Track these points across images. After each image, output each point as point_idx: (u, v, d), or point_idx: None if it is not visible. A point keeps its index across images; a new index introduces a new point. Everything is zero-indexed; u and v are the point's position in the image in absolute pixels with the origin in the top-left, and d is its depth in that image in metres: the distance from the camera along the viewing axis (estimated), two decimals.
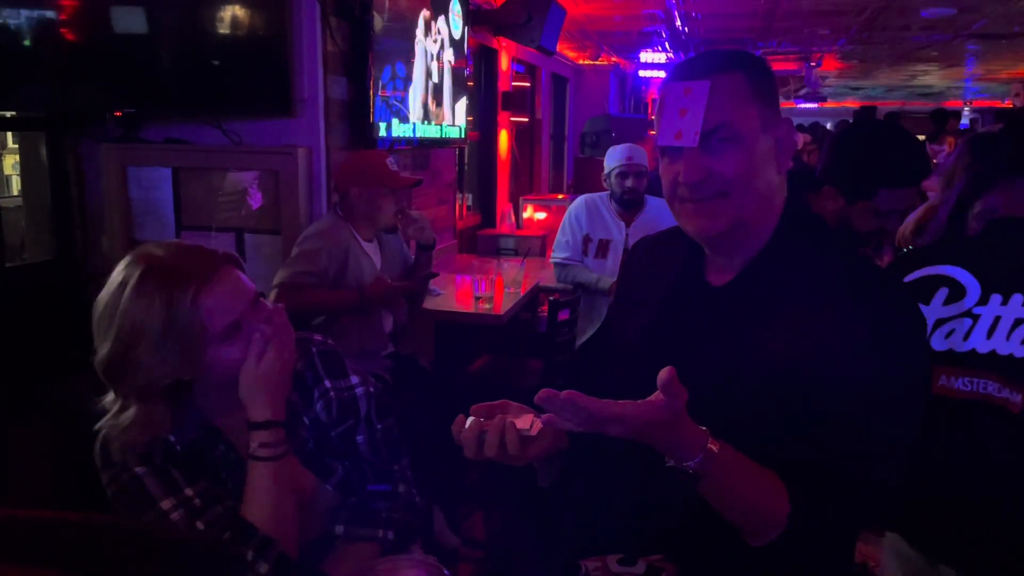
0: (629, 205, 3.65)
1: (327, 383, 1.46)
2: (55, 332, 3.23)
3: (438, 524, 2.92)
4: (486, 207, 6.26)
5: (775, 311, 1.13)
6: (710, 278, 1.24)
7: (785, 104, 16.19)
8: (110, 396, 1.32)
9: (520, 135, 7.17)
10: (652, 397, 0.97)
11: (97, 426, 1.34)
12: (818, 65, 10.31)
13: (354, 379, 1.50)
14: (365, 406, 1.50)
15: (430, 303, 3.55)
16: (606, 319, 1.50)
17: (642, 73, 10.51)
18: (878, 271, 1.21)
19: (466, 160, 5.89)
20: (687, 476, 1.01)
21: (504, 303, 3.61)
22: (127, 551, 1.19)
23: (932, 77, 12.62)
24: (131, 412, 1.26)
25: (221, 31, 2.93)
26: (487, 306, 3.56)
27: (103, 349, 1.26)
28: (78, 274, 3.31)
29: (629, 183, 3.60)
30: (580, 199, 3.79)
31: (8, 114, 3.14)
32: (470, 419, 1.09)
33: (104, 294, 1.28)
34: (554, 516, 1.29)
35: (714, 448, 1.01)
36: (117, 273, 1.29)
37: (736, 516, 1.07)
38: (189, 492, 1.30)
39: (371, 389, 1.51)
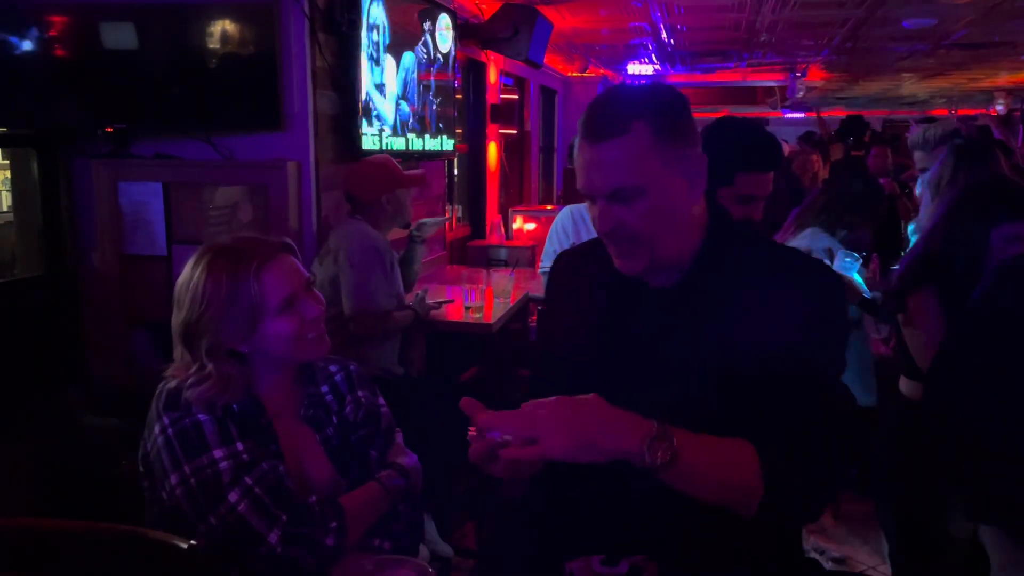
0: None
1: (360, 393, 1.65)
2: (45, 348, 3.24)
3: (430, 534, 2.94)
4: (476, 218, 6.29)
5: (721, 305, 1.21)
6: (651, 282, 1.29)
7: (772, 114, 16.32)
8: (176, 365, 1.49)
9: (509, 147, 7.22)
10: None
11: (166, 375, 1.48)
12: (803, 76, 10.41)
13: (381, 399, 1.69)
14: (387, 421, 1.66)
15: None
16: (541, 335, 1.54)
17: None
18: (798, 255, 1.36)
19: (455, 172, 5.92)
20: (655, 468, 1.06)
21: (494, 313, 3.64)
22: (119, 556, 1.21)
23: (916, 86, 12.76)
24: (210, 370, 1.44)
25: (211, 47, 2.96)
26: (477, 316, 3.58)
27: (180, 315, 1.46)
28: (69, 289, 3.32)
29: None
30: (566, 209, 3.82)
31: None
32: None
33: (183, 274, 1.49)
34: (538, 520, 1.31)
35: (674, 438, 1.07)
36: (194, 257, 1.49)
37: (712, 494, 1.13)
38: (240, 447, 1.42)
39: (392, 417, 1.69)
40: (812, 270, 1.29)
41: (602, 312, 1.31)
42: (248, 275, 1.43)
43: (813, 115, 15.18)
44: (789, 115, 15.44)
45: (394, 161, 3.09)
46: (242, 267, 1.43)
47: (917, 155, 3.46)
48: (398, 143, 3.72)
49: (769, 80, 11.11)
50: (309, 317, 1.48)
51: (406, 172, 3.08)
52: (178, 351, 1.49)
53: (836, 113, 17.97)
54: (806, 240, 3.11)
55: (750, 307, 1.19)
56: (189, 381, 1.45)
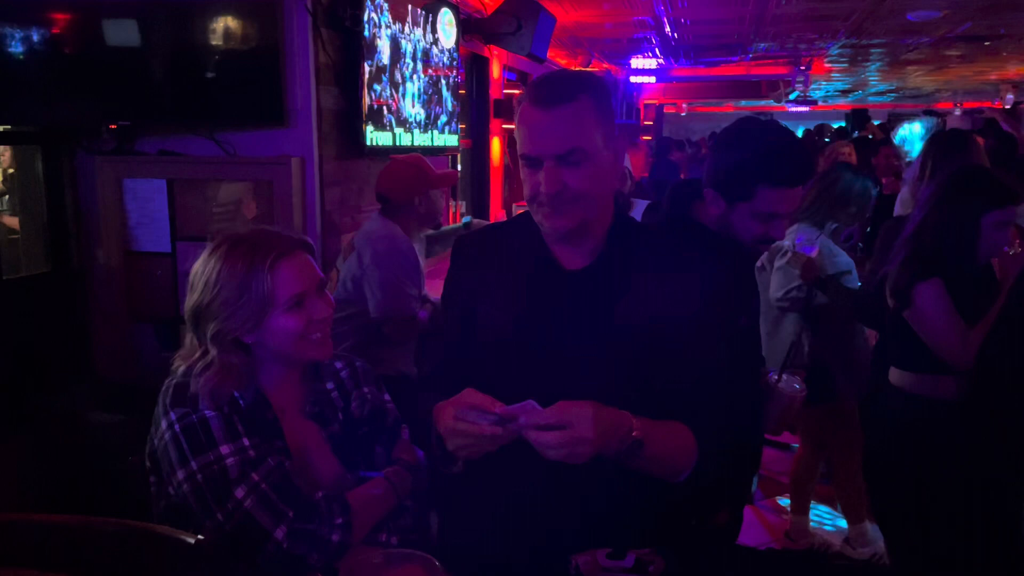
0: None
1: (365, 389, 1.65)
2: (52, 345, 3.25)
3: (435, 528, 2.94)
4: (480, 214, 6.29)
5: (632, 285, 1.35)
6: (564, 264, 1.40)
7: (776, 108, 16.27)
8: (185, 348, 1.51)
9: (513, 142, 7.20)
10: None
11: (173, 368, 1.49)
12: (808, 68, 10.38)
13: (387, 396, 1.69)
14: (392, 417, 1.65)
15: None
16: (448, 320, 1.56)
17: (633, 79, 10.57)
18: (700, 235, 1.48)
19: (459, 168, 5.92)
20: (624, 455, 1.21)
21: None
22: (126, 551, 1.21)
23: (921, 79, 12.71)
24: (212, 357, 1.45)
25: (214, 43, 2.96)
26: None
27: (192, 299, 1.47)
28: (74, 287, 3.33)
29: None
30: None
31: (3, 128, 3.16)
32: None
33: (200, 259, 1.48)
34: (543, 514, 1.32)
35: (636, 423, 1.22)
36: (213, 243, 1.49)
37: (663, 470, 1.31)
38: (246, 443, 1.42)
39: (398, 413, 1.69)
40: (715, 249, 1.46)
41: (519, 293, 1.40)
42: (263, 267, 1.43)
43: (818, 108, 15.16)
44: (793, 108, 15.40)
45: (426, 161, 3.04)
46: (258, 258, 1.43)
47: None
48: (402, 139, 3.72)
49: (773, 74, 11.08)
50: (316, 317, 1.48)
51: (438, 172, 3.04)
52: (188, 336, 1.50)
53: (840, 107, 17.93)
54: (788, 239, 3.12)
55: (656, 285, 1.34)
56: (195, 369, 1.46)
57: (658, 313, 1.32)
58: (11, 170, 3.58)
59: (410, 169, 2.96)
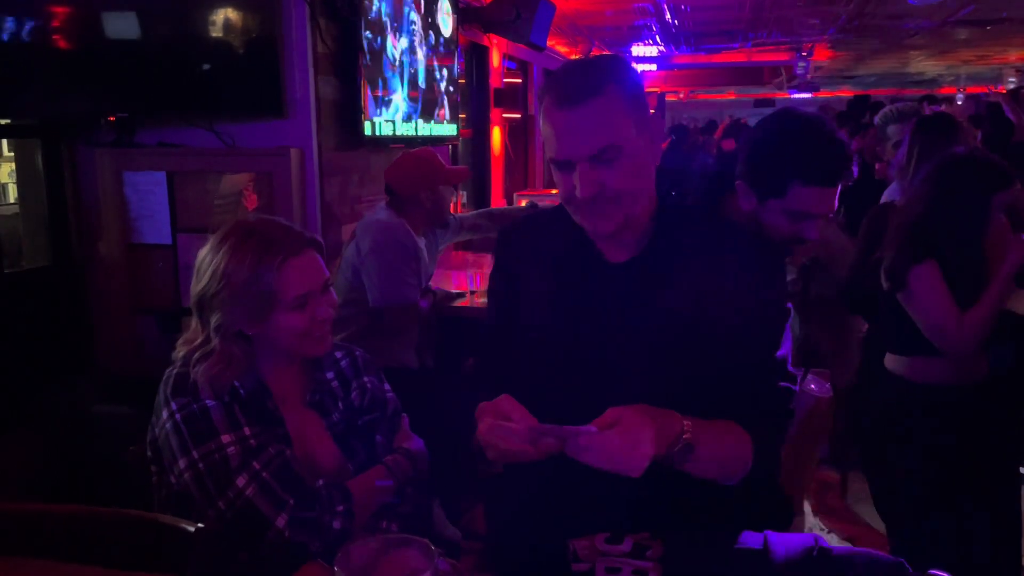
0: None
1: (365, 379, 1.65)
2: (53, 338, 3.26)
3: (438, 518, 2.95)
4: (480, 203, 6.28)
5: (676, 279, 1.28)
6: (608, 256, 1.33)
7: (779, 95, 16.21)
8: (189, 333, 1.52)
9: (513, 131, 7.20)
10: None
11: (174, 357, 1.50)
12: (809, 55, 10.34)
13: (387, 386, 1.70)
14: (392, 406, 1.67)
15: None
16: (495, 313, 1.49)
17: (634, 67, 10.52)
18: (743, 231, 1.42)
19: (459, 157, 5.91)
20: (675, 458, 1.15)
21: None
22: (129, 540, 1.22)
23: (924, 64, 12.65)
24: (213, 346, 1.46)
25: (212, 34, 2.96)
26: (483, 300, 3.59)
27: (198, 286, 1.47)
28: (76, 280, 3.34)
29: None
30: None
31: (2, 122, 3.16)
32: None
33: (209, 245, 1.49)
34: (542, 500, 1.32)
35: (687, 424, 1.15)
36: (223, 232, 1.49)
37: (719, 471, 1.25)
38: (247, 431, 1.42)
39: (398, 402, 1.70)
40: (756, 244, 1.37)
41: (564, 287, 1.34)
42: (271, 265, 1.43)
43: (820, 95, 15.09)
44: (796, 95, 15.34)
45: (438, 156, 3.01)
46: (267, 256, 1.43)
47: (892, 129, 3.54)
48: (401, 129, 3.72)
49: (775, 60, 11.03)
50: (319, 317, 1.48)
51: (449, 168, 3.00)
52: (193, 320, 1.51)
53: (842, 93, 17.86)
54: None
55: (701, 280, 1.27)
56: (195, 355, 1.47)
57: (707, 305, 1.25)
58: (12, 165, 3.59)
59: (419, 163, 2.94)
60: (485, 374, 1.41)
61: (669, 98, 17.85)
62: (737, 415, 1.25)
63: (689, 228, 1.33)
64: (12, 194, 5.01)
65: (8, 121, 3.16)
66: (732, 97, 19.20)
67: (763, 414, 1.28)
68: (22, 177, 3.40)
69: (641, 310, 1.28)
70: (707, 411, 1.22)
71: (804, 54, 10.21)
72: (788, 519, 1.63)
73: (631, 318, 1.28)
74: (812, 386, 1.84)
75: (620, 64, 1.27)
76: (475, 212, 3.69)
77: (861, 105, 8.73)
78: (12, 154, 3.59)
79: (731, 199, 1.75)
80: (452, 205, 5.32)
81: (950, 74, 14.92)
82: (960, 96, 16.31)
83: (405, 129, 3.76)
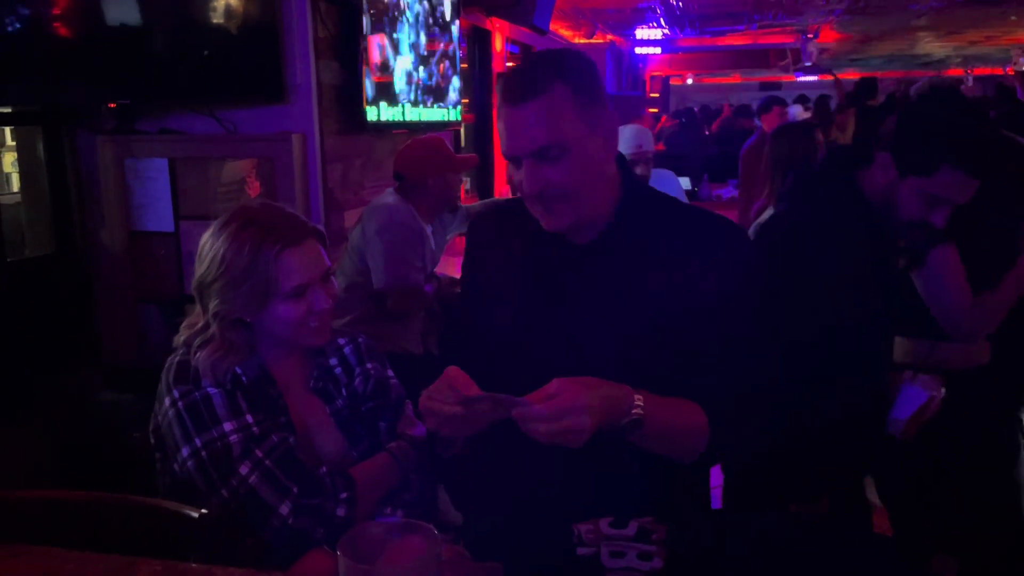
0: None
1: (368, 365, 1.64)
2: (57, 326, 3.26)
3: (443, 504, 2.96)
4: (484, 189, 6.27)
5: (640, 259, 1.30)
6: (571, 238, 1.34)
7: (785, 77, 16.10)
8: (193, 316, 1.52)
9: None
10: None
11: (176, 343, 1.50)
12: (815, 37, 10.26)
13: (391, 372, 1.68)
14: (396, 393, 1.65)
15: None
16: (465, 296, 1.55)
17: (638, 50, 10.49)
18: (707, 212, 1.39)
19: (462, 143, 5.89)
20: (624, 431, 1.18)
21: None
22: (133, 526, 1.22)
23: (931, 46, 12.54)
24: (213, 332, 1.46)
25: (213, 20, 2.94)
26: None
27: (199, 271, 1.47)
28: (79, 268, 3.34)
29: (639, 171, 3.60)
30: None
31: (4, 109, 3.16)
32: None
33: (211, 230, 1.48)
34: (546, 484, 1.32)
35: (639, 399, 1.17)
36: (225, 217, 1.48)
37: (670, 448, 1.27)
38: (250, 419, 1.42)
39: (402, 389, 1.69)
40: (721, 226, 1.35)
41: (529, 270, 1.37)
42: (270, 254, 1.42)
43: (827, 78, 14.98)
44: (802, 78, 15.23)
45: (446, 143, 3.02)
46: (266, 245, 1.42)
47: None
48: (403, 114, 3.69)
49: (780, 43, 10.95)
50: (316, 308, 1.47)
51: (458, 156, 3.01)
52: (196, 304, 1.51)
53: (850, 75, 17.74)
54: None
55: (666, 259, 1.29)
56: (196, 341, 1.47)
57: (672, 284, 1.27)
58: (14, 155, 3.58)
59: (427, 150, 2.94)
60: (455, 359, 1.42)
61: (674, 82, 17.77)
62: (703, 395, 1.27)
63: (653, 211, 1.35)
64: (15, 183, 5.02)
65: (9, 109, 3.15)
66: (737, 80, 19.09)
67: (735, 397, 1.28)
68: (24, 165, 3.40)
69: (605, 290, 1.30)
70: (673, 390, 1.25)
71: (810, 36, 10.13)
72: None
73: (595, 298, 1.30)
74: (934, 388, 1.81)
75: (571, 59, 1.27)
76: (482, 202, 3.70)
77: (868, 87, 8.66)
78: (14, 143, 3.58)
79: (867, 171, 1.74)
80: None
81: (957, 55, 14.80)
82: (968, 78, 16.18)
83: (407, 114, 3.74)
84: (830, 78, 11.23)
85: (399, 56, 3.68)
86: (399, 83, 3.68)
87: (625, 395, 1.18)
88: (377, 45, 3.44)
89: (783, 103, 6.13)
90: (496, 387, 1.17)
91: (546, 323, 1.33)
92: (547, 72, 1.22)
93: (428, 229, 2.98)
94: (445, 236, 3.32)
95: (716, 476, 3.58)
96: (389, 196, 2.95)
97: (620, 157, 1.36)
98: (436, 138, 3.07)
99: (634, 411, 1.17)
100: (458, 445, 1.32)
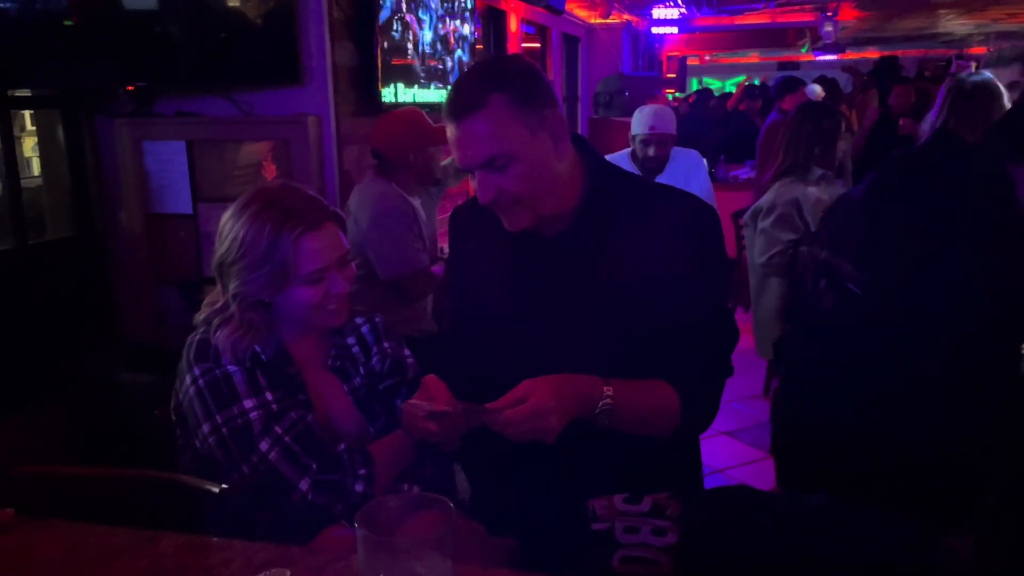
0: (650, 173, 3.62)
1: (385, 344, 1.66)
2: (78, 308, 3.31)
3: (460, 484, 2.98)
4: None
5: (609, 246, 1.33)
6: (543, 231, 1.37)
7: (803, 57, 15.91)
8: (213, 294, 1.53)
9: None
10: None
11: (196, 321, 1.52)
12: (835, 15, 10.11)
13: (407, 351, 1.70)
14: (413, 372, 1.67)
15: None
16: (448, 288, 1.61)
17: (655, 30, 10.38)
18: (676, 191, 1.41)
19: None
20: (595, 420, 1.24)
21: None
22: (155, 501, 1.25)
23: (953, 23, 12.33)
24: (232, 311, 1.48)
25: (229, 2, 2.95)
26: None
27: (219, 251, 1.49)
28: (98, 250, 3.37)
29: (651, 152, 3.57)
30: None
31: (23, 92, 3.18)
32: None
33: (232, 210, 1.49)
34: (561, 461, 1.34)
35: (608, 390, 1.23)
36: (246, 197, 1.49)
37: (643, 429, 1.32)
38: (269, 396, 1.44)
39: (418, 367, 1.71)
40: (689, 205, 1.38)
41: (504, 262, 1.40)
42: (289, 238, 1.43)
43: (846, 57, 14.79)
44: (820, 57, 15.03)
45: (424, 114, 2.92)
46: (286, 229, 1.43)
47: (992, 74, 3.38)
48: (417, 95, 3.69)
49: (799, 21, 10.80)
50: (333, 292, 1.49)
51: (436, 126, 2.89)
52: (217, 280, 1.53)
53: (869, 55, 17.49)
54: (772, 195, 3.09)
55: (635, 243, 1.32)
56: (216, 320, 1.49)
57: (641, 268, 1.31)
58: (34, 139, 3.61)
59: (405, 125, 2.84)
60: (443, 351, 1.48)
61: (691, 62, 17.59)
62: (674, 374, 1.32)
63: (622, 196, 1.37)
64: (36, 168, 5.07)
65: (29, 92, 3.18)
66: (756, 60, 18.87)
67: (702, 371, 1.35)
68: (44, 150, 3.43)
69: (575, 279, 1.33)
70: (646, 371, 1.30)
71: (829, 14, 9.99)
72: None
73: (567, 288, 1.34)
74: None
75: (510, 67, 1.30)
76: (452, 157, 3.56)
77: (889, 66, 8.56)
78: (34, 129, 3.62)
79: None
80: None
81: (980, 33, 14.54)
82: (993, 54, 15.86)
83: (422, 95, 3.74)
84: (848, 58, 11.09)
85: (414, 37, 3.67)
86: (414, 64, 3.67)
87: (594, 389, 1.24)
88: (392, 26, 3.43)
89: (802, 83, 6.07)
90: (483, 374, 1.26)
91: (524, 314, 1.37)
92: (484, 85, 1.25)
93: (417, 203, 2.92)
94: (435, 202, 3.25)
95: (722, 460, 3.58)
96: (372, 181, 2.86)
97: (582, 142, 1.39)
98: (412, 111, 2.97)
99: (603, 403, 1.23)
100: (453, 443, 1.38)
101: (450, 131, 1.29)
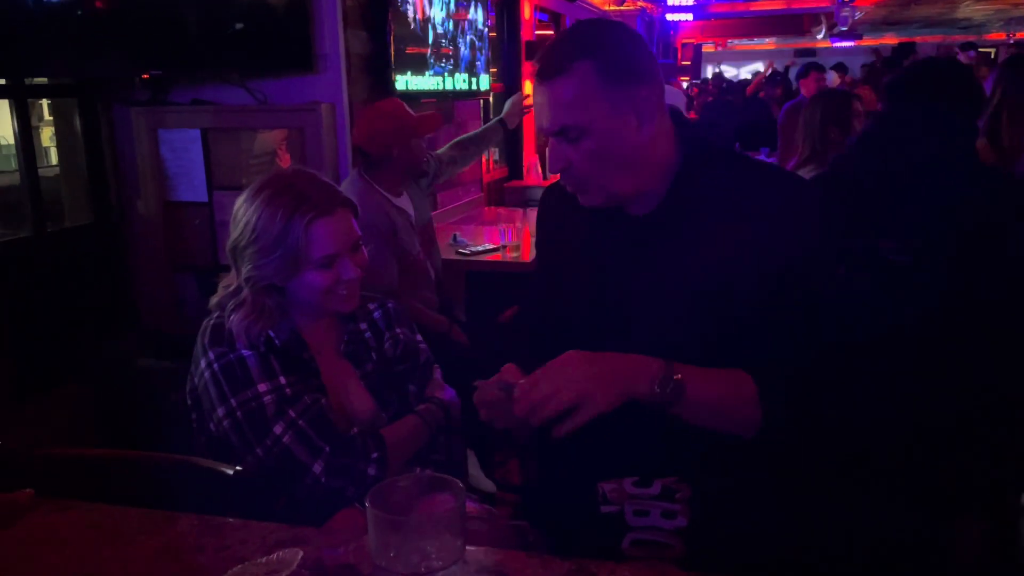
0: None
1: (397, 330, 1.67)
2: (96, 294, 3.34)
3: (473, 469, 2.99)
4: (512, 159, 6.24)
5: (701, 229, 1.22)
6: (629, 210, 1.29)
7: (820, 43, 15.74)
8: (228, 278, 1.55)
9: None
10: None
11: (211, 305, 1.54)
12: (851, 0, 10.00)
13: (419, 336, 1.72)
14: (424, 356, 1.69)
15: (460, 256, 3.61)
16: (537, 268, 1.54)
17: (669, 16, 10.30)
18: (777, 171, 1.32)
19: (491, 112, 5.87)
20: (660, 404, 1.13)
21: (531, 251, 3.64)
22: (171, 482, 1.26)
23: (971, 9, 12.16)
24: (245, 296, 1.49)
25: None
26: (515, 255, 3.59)
27: (232, 235, 1.50)
28: (116, 237, 3.41)
29: None
30: None
31: (40, 81, 3.21)
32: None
33: (245, 194, 1.50)
34: (570, 445, 1.33)
35: (679, 376, 1.13)
36: (260, 182, 1.50)
37: (715, 423, 1.19)
38: (283, 380, 1.46)
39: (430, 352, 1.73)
40: (791, 185, 1.28)
41: (587, 243, 1.33)
42: (301, 223, 1.44)
43: (863, 43, 14.62)
44: (837, 44, 14.88)
45: (404, 106, 2.78)
46: (298, 214, 1.44)
47: None
48: (431, 83, 3.69)
49: (815, 7, 10.68)
50: (344, 277, 1.49)
51: (418, 115, 2.75)
52: (231, 266, 1.55)
53: (887, 41, 17.28)
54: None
55: (729, 227, 1.20)
56: (229, 304, 1.50)
57: (733, 253, 1.19)
58: (52, 129, 3.64)
59: (387, 119, 2.71)
60: (524, 326, 1.42)
61: (706, 49, 17.46)
62: (759, 367, 1.20)
63: (716, 175, 1.26)
64: (53, 157, 5.12)
65: (46, 80, 3.21)
66: (772, 47, 18.70)
67: (789, 366, 1.20)
68: (61, 138, 3.46)
69: (662, 263, 1.25)
70: (730, 360, 1.20)
71: (846, 0, 9.88)
72: None
73: (652, 272, 1.25)
74: None
75: (606, 34, 1.21)
76: (448, 145, 3.41)
77: (906, 52, 8.46)
78: (52, 118, 3.66)
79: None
80: (483, 162, 5.29)
81: (999, 19, 14.32)
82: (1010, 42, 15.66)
83: (435, 83, 3.74)
84: (866, 43, 10.95)
85: (427, 24, 3.66)
86: (428, 52, 3.67)
87: (646, 365, 1.13)
88: (405, 14, 3.43)
89: (821, 69, 6.03)
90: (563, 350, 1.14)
91: (604, 296, 1.29)
92: (574, 49, 1.18)
93: (403, 200, 2.82)
94: (426, 192, 3.12)
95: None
96: (353, 181, 2.75)
97: (677, 116, 1.29)
98: (393, 103, 2.84)
99: (664, 382, 1.12)
100: (524, 435, 1.33)
101: (534, 91, 1.22)
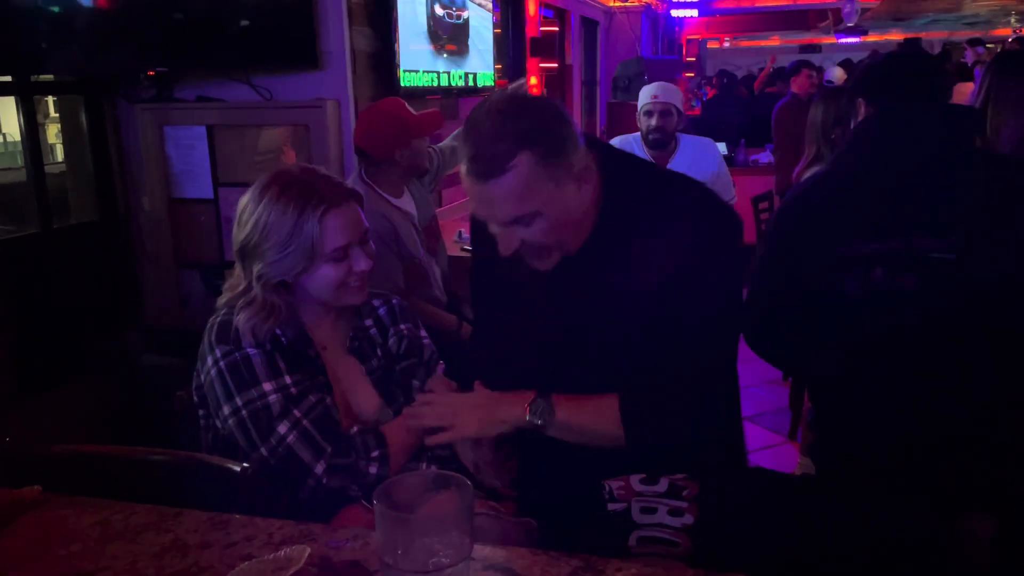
0: (656, 145, 3.57)
1: (402, 326, 1.68)
2: (102, 290, 3.35)
3: None
4: None
5: (619, 262, 1.31)
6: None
7: (825, 39, 15.68)
8: (233, 279, 1.54)
9: (550, 81, 7.10)
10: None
11: (219, 304, 1.53)
12: None
13: (423, 332, 1.72)
14: (429, 352, 1.69)
15: (466, 252, 3.60)
16: (474, 291, 1.63)
17: (674, 13, 10.29)
18: (697, 196, 1.36)
19: None
20: (535, 428, 1.30)
21: None
22: (177, 479, 1.27)
23: (978, 4, 12.10)
24: (255, 294, 1.48)
25: None
26: None
27: (240, 235, 1.49)
28: (122, 233, 3.41)
29: (654, 122, 3.51)
30: (613, 140, 3.76)
31: (46, 78, 3.22)
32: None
33: (250, 193, 1.49)
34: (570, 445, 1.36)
35: (550, 403, 1.30)
36: (263, 181, 1.49)
37: (587, 441, 1.33)
38: (288, 380, 1.45)
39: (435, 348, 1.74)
40: (705, 210, 1.34)
41: (523, 272, 1.37)
42: (313, 217, 1.43)
43: (869, 39, 14.57)
44: (843, 40, 14.82)
45: (405, 104, 2.71)
46: (309, 207, 1.44)
47: None
48: (436, 79, 3.68)
49: (821, 3, 10.65)
50: (356, 269, 1.49)
51: (419, 115, 2.69)
52: (236, 266, 1.53)
53: (893, 36, 17.21)
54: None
55: (645, 260, 1.28)
56: (238, 303, 1.49)
57: (651, 283, 1.27)
58: (58, 126, 3.65)
59: (389, 121, 2.64)
60: (471, 359, 1.54)
61: (711, 46, 17.42)
62: (627, 387, 1.32)
63: (635, 210, 1.32)
64: (59, 154, 5.13)
65: (51, 77, 3.21)
66: (777, 43, 18.65)
67: (670, 385, 1.31)
68: (67, 135, 3.47)
69: (587, 292, 1.33)
70: (639, 385, 1.30)
71: None
72: None
73: (577, 300, 1.34)
74: None
75: (534, 116, 1.20)
76: (451, 136, 3.37)
77: (913, 49, 8.42)
78: (57, 115, 3.67)
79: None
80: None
81: (1005, 14, 14.25)
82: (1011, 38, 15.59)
83: (440, 79, 3.73)
84: (872, 39, 10.92)
85: (432, 22, 3.66)
86: (433, 48, 3.67)
87: (522, 396, 1.31)
88: (410, 10, 3.43)
89: (811, 66, 6.01)
90: (499, 379, 1.33)
91: (538, 325, 1.39)
92: (510, 144, 1.16)
93: (405, 200, 2.78)
94: (430, 188, 3.08)
95: (752, 440, 3.58)
96: (355, 185, 2.51)
97: (594, 143, 1.33)
98: (394, 103, 2.75)
99: (546, 403, 1.29)
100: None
101: (470, 187, 1.22)
